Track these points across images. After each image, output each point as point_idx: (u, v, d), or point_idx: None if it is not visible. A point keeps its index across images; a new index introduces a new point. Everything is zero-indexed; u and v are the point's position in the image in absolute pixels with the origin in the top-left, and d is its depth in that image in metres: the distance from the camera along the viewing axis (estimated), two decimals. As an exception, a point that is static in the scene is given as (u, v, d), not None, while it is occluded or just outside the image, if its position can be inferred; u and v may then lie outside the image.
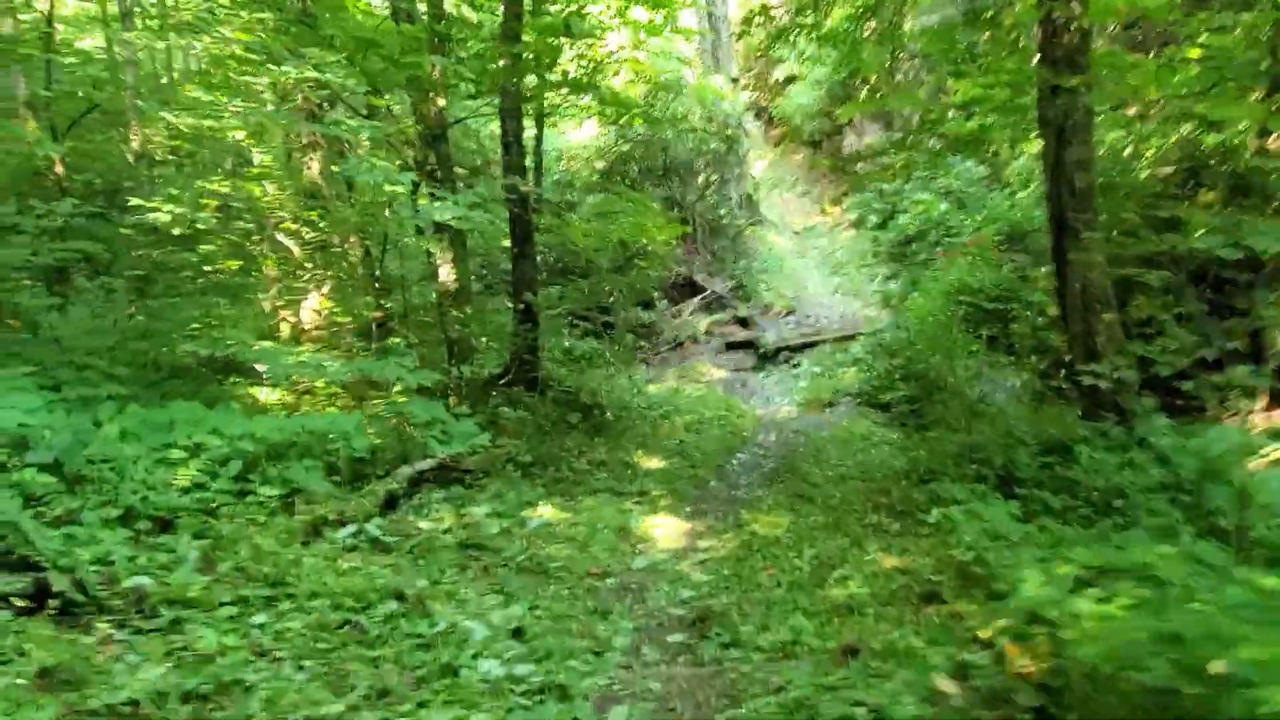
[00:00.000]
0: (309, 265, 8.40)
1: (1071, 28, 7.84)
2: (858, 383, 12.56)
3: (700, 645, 4.28)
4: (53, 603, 3.27)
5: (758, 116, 27.81)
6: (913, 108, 12.01)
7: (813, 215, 24.06)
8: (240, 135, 7.55)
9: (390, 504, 5.66)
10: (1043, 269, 14.29)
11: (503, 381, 9.69)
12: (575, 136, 22.06)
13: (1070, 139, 7.99)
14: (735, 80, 22.65)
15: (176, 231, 8.87)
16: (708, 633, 4.41)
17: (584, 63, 9.71)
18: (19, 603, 3.19)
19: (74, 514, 3.84)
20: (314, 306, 10.67)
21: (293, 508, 5.06)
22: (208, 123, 7.33)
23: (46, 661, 2.78)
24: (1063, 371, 11.03)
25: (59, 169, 8.32)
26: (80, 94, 9.31)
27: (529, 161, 13.22)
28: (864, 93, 13.00)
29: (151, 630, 3.37)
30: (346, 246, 8.43)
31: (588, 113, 11.12)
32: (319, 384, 7.38)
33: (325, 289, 10.29)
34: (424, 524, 5.48)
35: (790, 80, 26.23)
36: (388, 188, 6.65)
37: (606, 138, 19.62)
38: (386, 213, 7.12)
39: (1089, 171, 8.05)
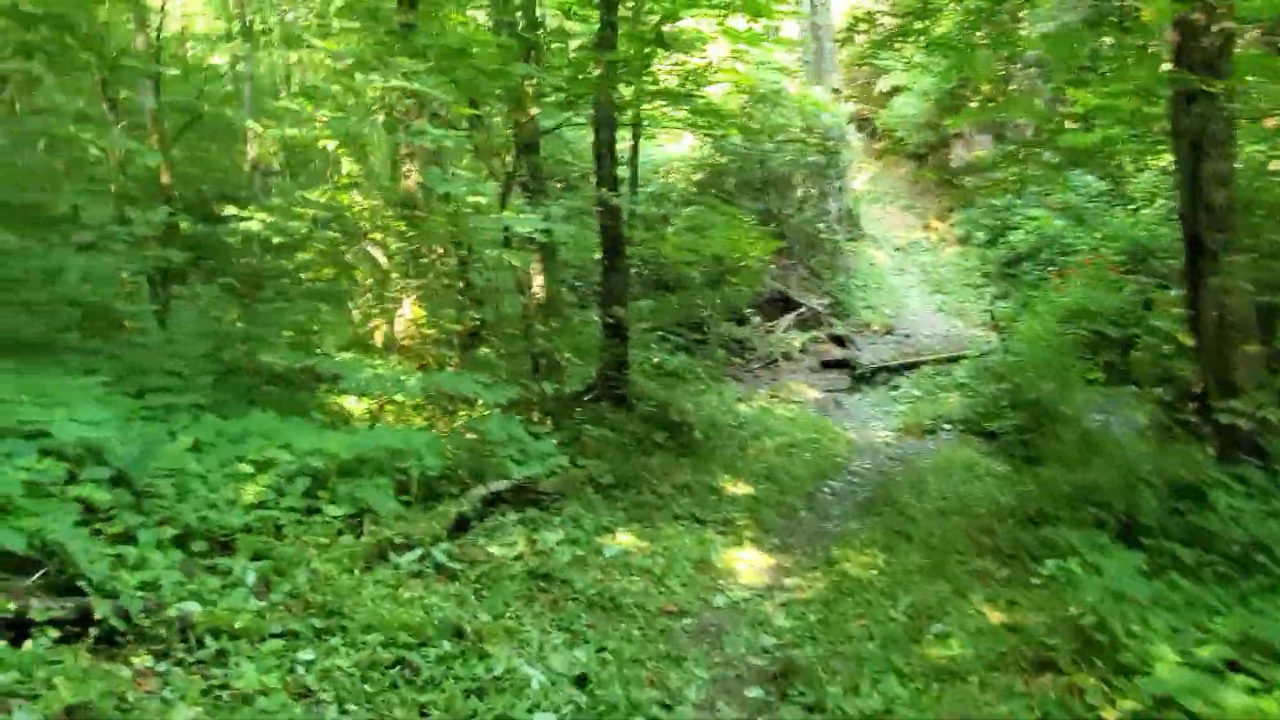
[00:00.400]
0: (395, 275, 8.34)
1: (1213, 29, 7.15)
2: (961, 408, 11.86)
3: (780, 706, 3.90)
4: (94, 630, 3.16)
5: (860, 129, 27.07)
6: (1027, 118, 11.29)
7: (915, 231, 23.19)
8: (333, 145, 7.56)
9: (461, 526, 5.46)
10: (1170, 292, 13.28)
11: (588, 397, 9.47)
12: (672, 149, 21.88)
13: (1208, 151, 7.27)
14: (837, 91, 22.06)
15: (277, 240, 9.01)
16: (789, 690, 4.02)
17: (681, 73, 9.43)
18: (53, 632, 3.07)
19: (132, 532, 3.76)
20: (408, 316, 10.72)
21: (360, 528, 4.90)
22: (292, 131, 7.34)
23: (73, 699, 2.64)
24: (1192, 405, 10.15)
25: (165, 178, 8.51)
26: (206, 107, 9.58)
27: (623, 173, 13.05)
28: (975, 102, 12.33)
29: (193, 663, 3.21)
30: (434, 257, 8.34)
31: (684, 125, 10.85)
32: (400, 396, 7.28)
33: (416, 299, 10.32)
34: (494, 549, 5.26)
35: (895, 91, 25.41)
36: (470, 198, 6.50)
37: (703, 150, 19.34)
38: (471, 223, 6.98)
39: (1228, 187, 7.29)
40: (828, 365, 15.94)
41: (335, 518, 4.76)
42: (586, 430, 8.27)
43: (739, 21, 10.93)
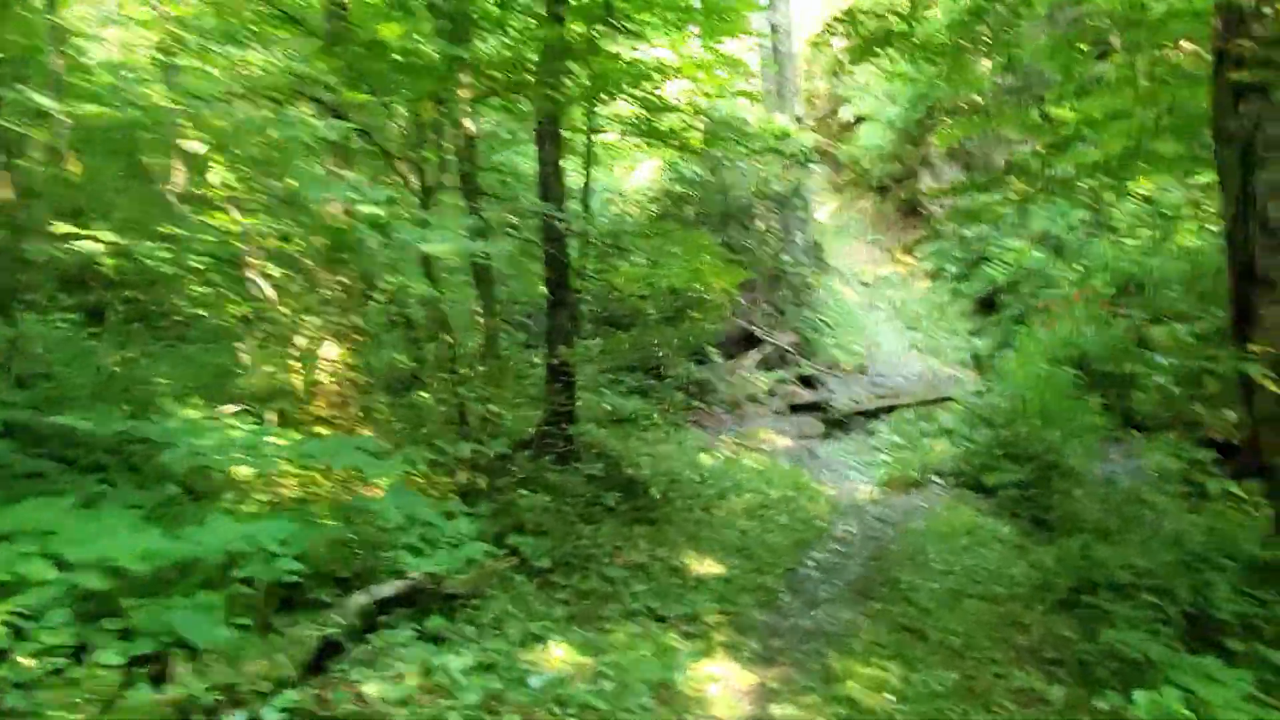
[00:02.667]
0: (288, 310, 6.83)
1: (1265, 13, 6.04)
2: (951, 459, 10.56)
3: None
4: None
5: (822, 161, 26.18)
6: (1022, 133, 10.19)
7: (883, 265, 22.16)
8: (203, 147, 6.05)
9: (329, 653, 3.92)
10: (1163, 327, 12.24)
11: (525, 454, 7.98)
12: (628, 184, 20.68)
13: (1262, 157, 6.10)
14: (800, 120, 21.10)
15: (168, 270, 7.46)
16: None
17: (636, 72, 8.15)
18: None
19: None
20: (330, 358, 9.22)
21: (164, 677, 3.35)
22: (99, 110, 5.75)
23: None
24: (1208, 454, 8.98)
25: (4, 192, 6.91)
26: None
27: (576, 203, 11.69)
28: (957, 119, 11.27)
29: None
30: (335, 286, 6.89)
31: (639, 132, 9.60)
32: (289, 465, 5.71)
33: (336, 339, 8.89)
34: (370, 689, 3.72)
35: (858, 121, 24.61)
36: (362, 208, 5.08)
37: (661, 180, 18.18)
38: (372, 244, 5.52)
39: (1290, 202, 6.14)
40: (797, 409, 14.61)
41: (114, 666, 3.19)
42: (520, 497, 6.77)
43: (696, 44, 9.91)
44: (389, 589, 4.36)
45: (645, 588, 6.10)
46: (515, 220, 11.84)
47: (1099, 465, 9.73)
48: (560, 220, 8.64)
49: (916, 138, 20.96)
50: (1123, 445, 10.71)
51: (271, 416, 6.36)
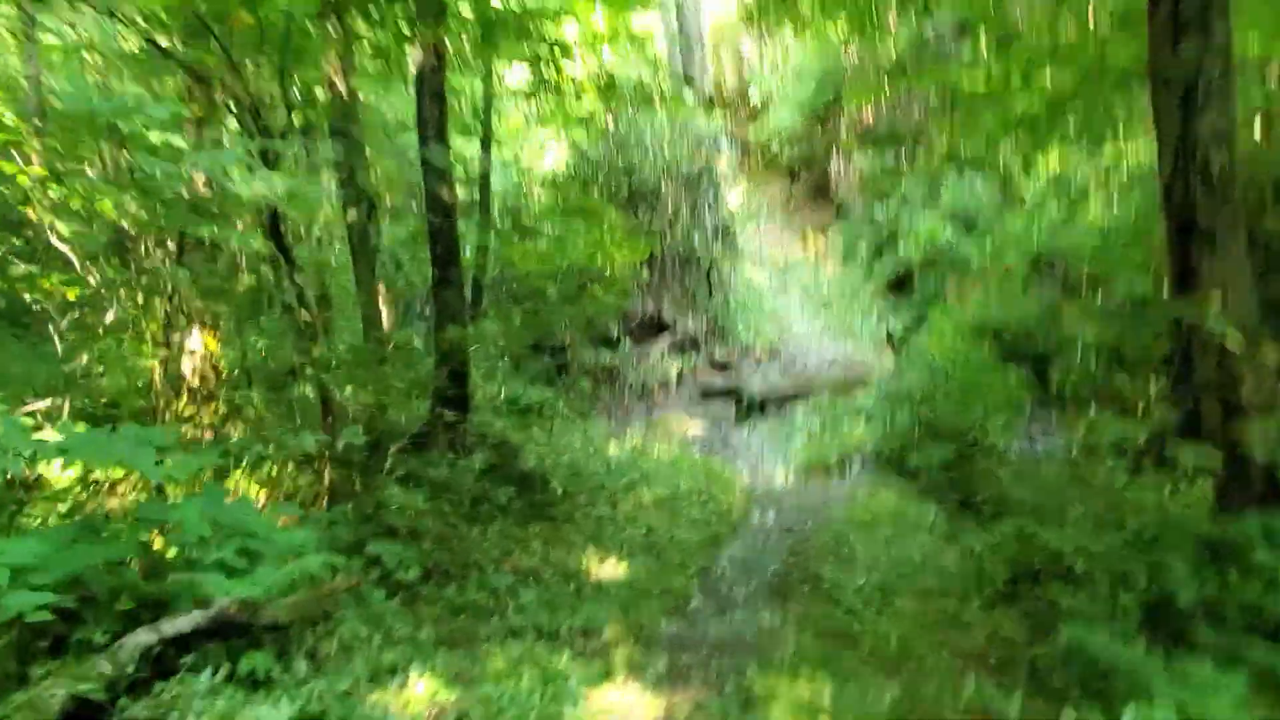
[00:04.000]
0: (101, 282, 5.69)
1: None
2: (871, 441, 10.00)
3: None
4: None
5: (731, 144, 25.70)
6: (942, 87, 9.67)
7: (794, 248, 21.73)
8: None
9: (90, 715, 2.93)
10: (1077, 301, 12.00)
11: (397, 446, 6.99)
12: (536, 168, 19.72)
13: (1205, 104, 5.61)
14: (710, 100, 20.50)
15: None
16: None
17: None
18: None
19: None
20: (195, 348, 8.04)
21: None
22: None
23: None
24: (1132, 423, 8.62)
25: None
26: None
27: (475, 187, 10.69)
28: (871, 81, 10.68)
29: None
30: (150, 251, 5.79)
31: (534, 88, 8.74)
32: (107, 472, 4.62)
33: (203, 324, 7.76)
34: (140, 765, 2.76)
35: (767, 105, 24.16)
36: (148, 132, 4.00)
37: (567, 164, 17.32)
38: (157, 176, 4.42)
39: (1229, 150, 5.65)
40: (709, 395, 13.94)
41: None
42: (391, 497, 5.80)
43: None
44: (185, 623, 3.36)
45: (534, 598, 5.24)
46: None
47: (1021, 442, 9.31)
48: (437, 172, 7.69)
49: (825, 120, 20.57)
50: (1042, 421, 10.34)
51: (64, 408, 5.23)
